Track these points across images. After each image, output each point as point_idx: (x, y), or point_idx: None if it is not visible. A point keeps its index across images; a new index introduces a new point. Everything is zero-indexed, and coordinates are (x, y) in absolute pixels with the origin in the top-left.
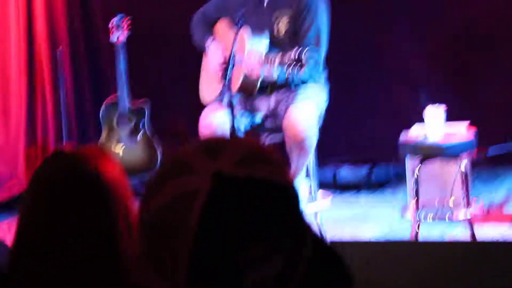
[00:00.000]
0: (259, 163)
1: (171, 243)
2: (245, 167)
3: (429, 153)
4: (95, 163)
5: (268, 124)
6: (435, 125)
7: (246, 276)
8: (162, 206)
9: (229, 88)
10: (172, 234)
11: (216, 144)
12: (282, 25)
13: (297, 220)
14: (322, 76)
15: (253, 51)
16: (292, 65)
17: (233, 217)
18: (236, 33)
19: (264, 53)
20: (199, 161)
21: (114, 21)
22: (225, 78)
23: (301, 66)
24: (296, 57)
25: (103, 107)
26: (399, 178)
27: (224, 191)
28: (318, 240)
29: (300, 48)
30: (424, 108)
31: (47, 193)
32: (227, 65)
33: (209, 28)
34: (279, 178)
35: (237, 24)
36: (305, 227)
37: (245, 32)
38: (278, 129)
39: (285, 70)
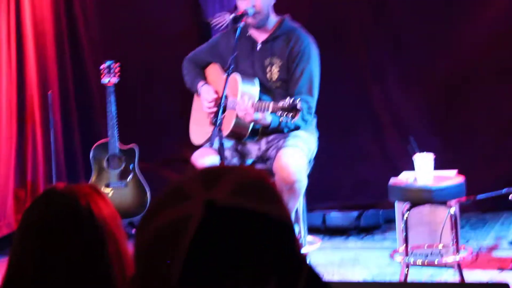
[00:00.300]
0: (255, 194)
1: (163, 267)
2: (240, 197)
3: (418, 196)
4: (87, 200)
5: (259, 167)
6: (424, 171)
7: None
8: (157, 230)
9: (220, 132)
10: (164, 257)
11: (215, 172)
12: (274, 71)
13: (289, 254)
14: (313, 123)
15: (246, 95)
16: (286, 113)
17: (223, 245)
18: (227, 77)
19: (257, 98)
20: (195, 188)
21: (105, 64)
22: (216, 122)
23: (295, 114)
24: (290, 105)
25: (93, 148)
26: (389, 223)
27: (216, 219)
28: (314, 276)
29: (294, 97)
30: (413, 156)
31: (39, 230)
32: (218, 108)
33: (201, 71)
34: (273, 211)
35: (228, 68)
36: (299, 263)
37: (237, 76)
38: (269, 172)
39: (278, 117)
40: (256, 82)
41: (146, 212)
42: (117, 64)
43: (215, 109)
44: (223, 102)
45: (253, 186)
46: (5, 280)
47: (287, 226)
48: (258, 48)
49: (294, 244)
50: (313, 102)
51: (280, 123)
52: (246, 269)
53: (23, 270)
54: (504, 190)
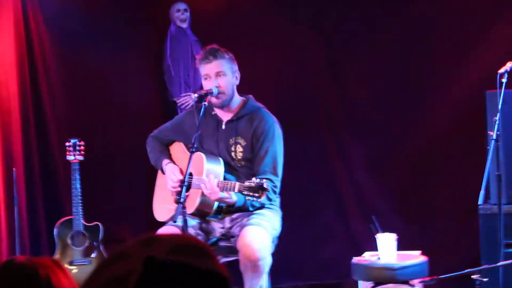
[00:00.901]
0: (191, 252)
1: None
2: (177, 254)
3: (381, 275)
4: (46, 272)
5: (222, 245)
6: (387, 250)
7: None
8: (103, 286)
9: (184, 209)
10: None
11: (151, 237)
12: (239, 151)
13: None
14: (277, 202)
15: (211, 173)
16: (252, 193)
17: None
18: (191, 155)
19: (221, 177)
20: (134, 249)
21: (71, 141)
22: (180, 199)
23: (261, 194)
24: (257, 185)
25: (57, 226)
26: None
27: (155, 274)
28: None
29: (259, 176)
30: (375, 235)
31: None
32: (182, 185)
33: (165, 148)
34: (210, 265)
35: (192, 146)
36: None
37: (202, 155)
38: (232, 250)
39: (244, 196)
40: (221, 161)
41: (88, 276)
42: (82, 142)
43: (179, 189)
44: (187, 180)
45: (188, 245)
46: None
47: (224, 279)
48: (223, 127)
49: None
50: (278, 181)
51: (245, 202)
52: None
53: None
54: (467, 270)
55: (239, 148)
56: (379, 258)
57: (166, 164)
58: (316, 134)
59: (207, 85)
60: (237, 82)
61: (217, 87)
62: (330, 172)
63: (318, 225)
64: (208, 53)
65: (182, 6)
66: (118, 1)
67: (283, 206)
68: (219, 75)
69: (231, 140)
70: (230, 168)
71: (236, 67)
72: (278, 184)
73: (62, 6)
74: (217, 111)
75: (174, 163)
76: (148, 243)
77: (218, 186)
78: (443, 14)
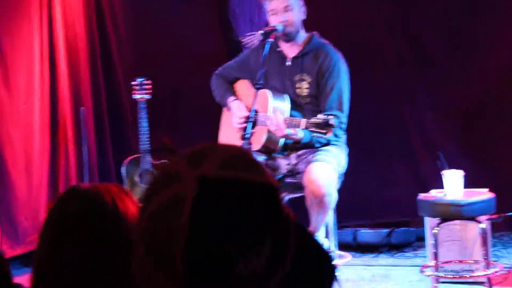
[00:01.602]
0: (241, 166)
1: (167, 245)
2: (228, 170)
3: (447, 211)
4: (111, 197)
5: (288, 181)
6: (453, 187)
7: (237, 266)
8: (155, 213)
9: (249, 146)
10: (166, 237)
11: (199, 152)
12: (304, 87)
13: (279, 214)
14: (343, 138)
15: (277, 110)
16: (319, 129)
17: (220, 216)
18: (257, 92)
19: (287, 114)
20: (184, 169)
21: (137, 81)
22: (246, 135)
23: (327, 131)
24: (323, 121)
25: (126, 163)
26: (420, 241)
27: (210, 193)
28: (302, 229)
29: (326, 113)
30: (442, 171)
31: (63, 228)
32: (248, 121)
33: (230, 86)
34: (260, 178)
35: (257, 83)
36: (288, 220)
37: (268, 92)
38: (298, 186)
39: (310, 133)
40: (286, 98)
41: (141, 201)
42: (149, 81)
43: (245, 125)
44: (253, 116)
45: (237, 159)
46: (33, 280)
47: (274, 189)
48: (287, 64)
49: (281, 204)
50: (344, 117)
51: (311, 139)
52: (244, 234)
53: (49, 270)
54: None
55: (305, 85)
56: (445, 195)
57: (231, 100)
58: (382, 71)
59: (273, 20)
60: (304, 16)
61: (284, 21)
62: (396, 110)
63: (384, 163)
64: None
65: None
66: None
67: (349, 144)
68: (287, 10)
69: (296, 76)
70: (295, 105)
71: (302, 1)
72: (344, 120)
73: None
74: (283, 47)
75: (239, 99)
76: (197, 160)
77: (284, 122)
78: None
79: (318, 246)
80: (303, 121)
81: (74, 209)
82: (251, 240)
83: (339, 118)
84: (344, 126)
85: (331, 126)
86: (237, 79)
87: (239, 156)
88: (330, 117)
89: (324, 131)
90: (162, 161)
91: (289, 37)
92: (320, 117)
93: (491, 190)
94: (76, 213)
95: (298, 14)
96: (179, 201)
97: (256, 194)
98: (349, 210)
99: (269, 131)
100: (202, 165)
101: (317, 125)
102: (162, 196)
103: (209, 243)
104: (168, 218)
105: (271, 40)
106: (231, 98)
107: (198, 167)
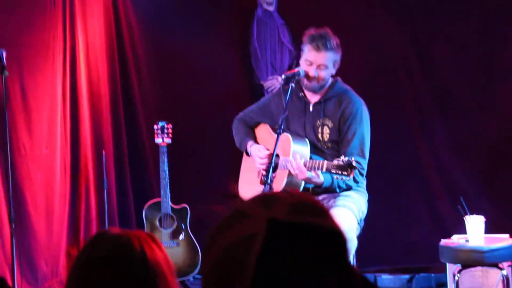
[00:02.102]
0: (308, 211)
1: (233, 283)
2: (297, 215)
3: (469, 258)
4: (140, 242)
5: None
6: (475, 233)
7: None
8: (224, 250)
9: (271, 190)
10: (233, 275)
11: (269, 196)
12: (326, 132)
13: (345, 261)
14: (363, 184)
15: (298, 154)
16: (341, 171)
17: (287, 259)
18: (278, 136)
19: (308, 157)
20: (255, 209)
21: (159, 124)
22: (267, 180)
23: (350, 172)
24: (345, 163)
25: (146, 208)
26: (441, 286)
27: (279, 235)
28: (367, 282)
29: (348, 157)
30: (464, 217)
31: (91, 272)
32: (269, 167)
33: (250, 130)
34: (327, 223)
35: (279, 127)
36: (353, 269)
37: (289, 135)
38: None
39: (331, 176)
40: (307, 142)
41: (210, 234)
42: (170, 125)
43: (268, 165)
44: (274, 160)
45: (305, 205)
46: None
47: (340, 236)
48: (310, 109)
49: (347, 252)
50: (365, 163)
51: (332, 182)
52: (309, 275)
53: None
54: None
55: (326, 130)
56: (467, 241)
57: (251, 145)
58: (402, 116)
59: (305, 68)
60: (334, 71)
61: (315, 77)
62: (416, 154)
63: (405, 208)
64: (319, 40)
65: None
66: None
67: (369, 189)
68: (321, 68)
69: (318, 121)
70: (316, 149)
71: (339, 57)
72: (365, 166)
73: None
74: (306, 92)
75: (258, 144)
76: (268, 203)
77: (305, 165)
78: None
79: None
80: (325, 163)
81: (102, 254)
82: (316, 281)
83: (360, 163)
84: (364, 172)
85: (353, 167)
86: (258, 123)
87: (308, 201)
88: (352, 159)
89: (346, 172)
90: (183, 205)
91: (313, 88)
92: (342, 159)
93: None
94: (105, 257)
95: (330, 71)
96: (250, 238)
97: (323, 239)
98: (370, 255)
99: (290, 175)
100: (272, 208)
101: (339, 166)
102: (235, 231)
103: (275, 281)
104: (236, 256)
105: (293, 84)
106: (250, 143)
107: (268, 208)
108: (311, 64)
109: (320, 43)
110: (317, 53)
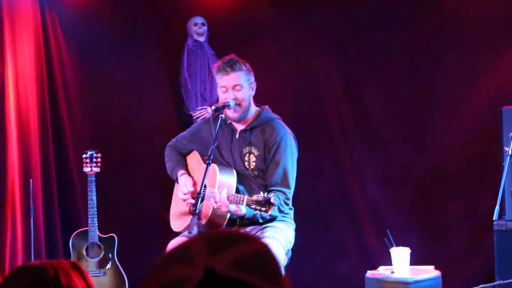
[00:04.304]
0: (256, 269)
1: None
2: (238, 270)
3: None
4: (55, 272)
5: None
6: (401, 265)
7: None
8: (161, 285)
9: (199, 220)
10: None
11: (221, 239)
12: (252, 161)
13: None
14: (290, 214)
15: (224, 185)
16: (260, 207)
17: None
18: (207, 167)
19: (234, 188)
20: (199, 252)
21: (87, 153)
22: (195, 211)
23: (268, 208)
24: (264, 199)
25: (73, 236)
26: None
27: (213, 285)
28: None
29: (270, 188)
30: (390, 249)
31: None
32: (197, 198)
33: (182, 158)
34: (269, 286)
35: (208, 158)
36: None
37: (216, 167)
38: None
39: (252, 210)
40: (234, 172)
41: (154, 264)
42: (99, 154)
43: (190, 201)
44: (202, 192)
45: (255, 260)
46: None
47: None
48: (237, 136)
49: None
50: (290, 193)
51: (254, 214)
52: None
53: None
54: (480, 286)
55: (252, 158)
56: (393, 272)
57: (180, 175)
58: (330, 147)
59: (223, 96)
60: (253, 93)
61: (234, 99)
62: (344, 186)
63: (332, 239)
64: (226, 65)
65: (199, 20)
66: (135, 15)
67: (297, 220)
68: (237, 89)
69: (244, 149)
70: (243, 178)
71: (252, 78)
72: (290, 196)
73: (80, 19)
74: (232, 121)
75: (189, 174)
76: (214, 249)
77: (228, 198)
78: (456, 32)
79: None
80: (245, 198)
81: (16, 285)
82: None
83: (285, 193)
84: (290, 202)
85: (271, 204)
86: (190, 151)
87: (258, 257)
88: (271, 195)
89: (264, 208)
90: (110, 234)
91: (239, 118)
92: (262, 195)
93: (436, 267)
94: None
95: (248, 91)
96: (183, 282)
97: None
98: (297, 286)
99: (214, 207)
100: (217, 256)
101: (258, 202)
102: (172, 270)
103: None
104: None
105: (223, 115)
106: (181, 172)
107: (212, 255)
108: (226, 89)
109: (227, 66)
110: (227, 76)
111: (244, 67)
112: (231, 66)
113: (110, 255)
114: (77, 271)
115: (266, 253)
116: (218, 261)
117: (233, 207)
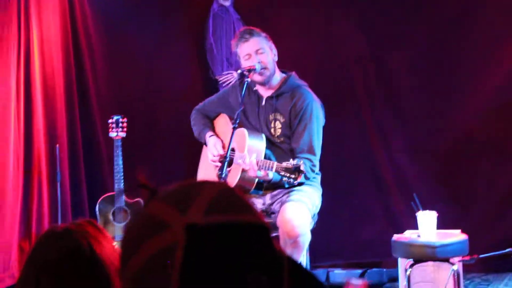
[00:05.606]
0: (228, 207)
1: None
2: (215, 213)
3: (421, 253)
4: (88, 243)
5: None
6: (427, 228)
7: None
8: (142, 266)
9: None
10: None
11: (184, 194)
12: (278, 127)
13: (271, 253)
14: (318, 179)
15: (253, 150)
16: (289, 174)
17: (211, 263)
18: (233, 131)
19: (263, 153)
20: (170, 215)
21: (113, 118)
22: (222, 174)
23: (297, 176)
24: (293, 167)
25: (99, 201)
26: (392, 282)
27: (199, 241)
28: (296, 266)
29: (297, 155)
30: (416, 213)
31: (42, 271)
32: (224, 161)
33: (209, 121)
34: (247, 218)
35: (235, 122)
36: (281, 258)
37: (245, 131)
38: (273, 226)
39: (280, 177)
40: (263, 137)
41: (124, 247)
42: (125, 119)
43: (219, 164)
44: (229, 155)
45: (223, 201)
46: None
47: (263, 228)
48: (263, 103)
49: (272, 242)
50: (316, 160)
51: (281, 179)
52: (238, 277)
53: None
54: (508, 250)
55: (278, 125)
56: (419, 236)
57: (209, 136)
58: (357, 114)
59: (248, 64)
60: (276, 58)
61: (259, 62)
62: (370, 152)
63: (358, 204)
64: (243, 33)
65: None
66: None
67: (323, 185)
68: (259, 52)
69: (270, 116)
70: (271, 144)
71: (272, 45)
72: (316, 162)
73: None
74: (258, 88)
75: (217, 136)
76: (183, 206)
77: (257, 164)
78: (480, 5)
79: (312, 278)
80: (275, 165)
81: (52, 256)
82: (246, 282)
83: (311, 160)
84: (316, 168)
85: (301, 172)
86: (217, 114)
87: (225, 196)
88: (301, 162)
89: (294, 176)
90: (137, 199)
91: (265, 81)
92: (291, 162)
93: (463, 231)
94: (55, 260)
95: (270, 56)
96: (170, 250)
97: (246, 236)
98: (323, 250)
99: (243, 170)
100: (189, 211)
101: (288, 169)
102: (151, 246)
103: None
104: (157, 271)
105: (248, 79)
106: (209, 134)
107: (185, 213)
108: (249, 56)
109: (246, 33)
110: (248, 43)
111: (262, 34)
112: (249, 33)
113: None
114: (100, 232)
115: (228, 189)
116: (193, 215)
117: (261, 173)
